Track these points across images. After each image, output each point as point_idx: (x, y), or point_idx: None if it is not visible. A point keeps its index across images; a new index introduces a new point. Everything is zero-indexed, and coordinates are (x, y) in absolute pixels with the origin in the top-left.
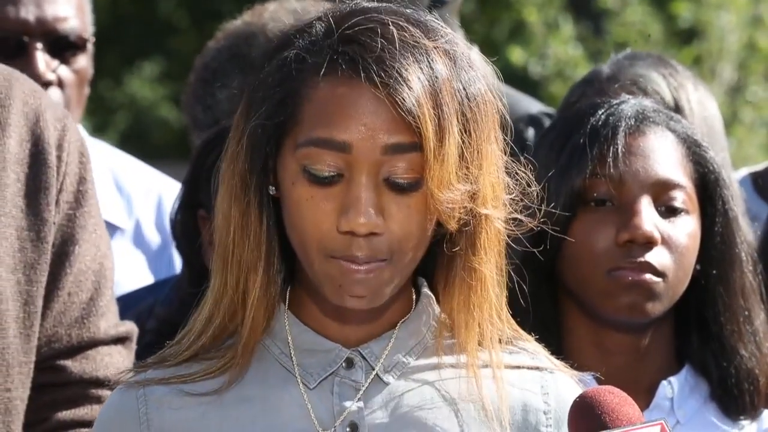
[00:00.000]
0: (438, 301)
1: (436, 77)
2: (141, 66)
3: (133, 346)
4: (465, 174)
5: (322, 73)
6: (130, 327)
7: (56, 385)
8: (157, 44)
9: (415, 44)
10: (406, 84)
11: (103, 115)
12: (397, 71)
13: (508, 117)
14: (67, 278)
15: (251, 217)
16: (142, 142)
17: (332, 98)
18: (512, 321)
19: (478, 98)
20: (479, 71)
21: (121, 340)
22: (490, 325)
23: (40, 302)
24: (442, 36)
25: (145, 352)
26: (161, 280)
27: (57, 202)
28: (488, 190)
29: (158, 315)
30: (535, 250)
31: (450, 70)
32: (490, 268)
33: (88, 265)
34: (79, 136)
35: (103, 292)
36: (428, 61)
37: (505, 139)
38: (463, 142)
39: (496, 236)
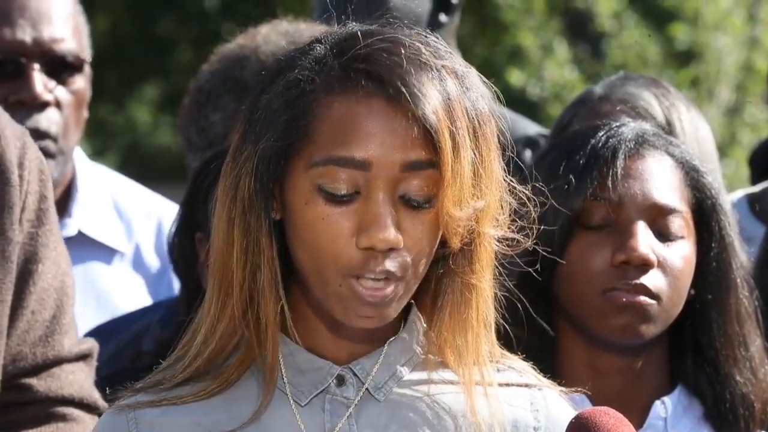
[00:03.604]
0: (426, 321)
1: (449, 95)
2: (141, 89)
3: (94, 363)
4: (477, 192)
5: (335, 92)
6: (92, 344)
7: (22, 404)
8: (158, 67)
9: (426, 62)
10: (425, 100)
11: (103, 139)
12: (414, 87)
13: (508, 137)
14: (31, 297)
15: (262, 240)
16: (143, 165)
17: (348, 116)
18: (495, 340)
19: (483, 116)
20: (480, 90)
21: (83, 357)
22: (485, 343)
23: (5, 321)
24: (447, 56)
25: (143, 374)
26: (154, 304)
27: (20, 221)
28: (491, 209)
29: (156, 337)
30: (531, 270)
31: (458, 88)
32: (488, 284)
33: (50, 282)
34: (39, 153)
35: (65, 310)
36: (440, 79)
37: (505, 159)
38: (475, 159)
39: (491, 253)
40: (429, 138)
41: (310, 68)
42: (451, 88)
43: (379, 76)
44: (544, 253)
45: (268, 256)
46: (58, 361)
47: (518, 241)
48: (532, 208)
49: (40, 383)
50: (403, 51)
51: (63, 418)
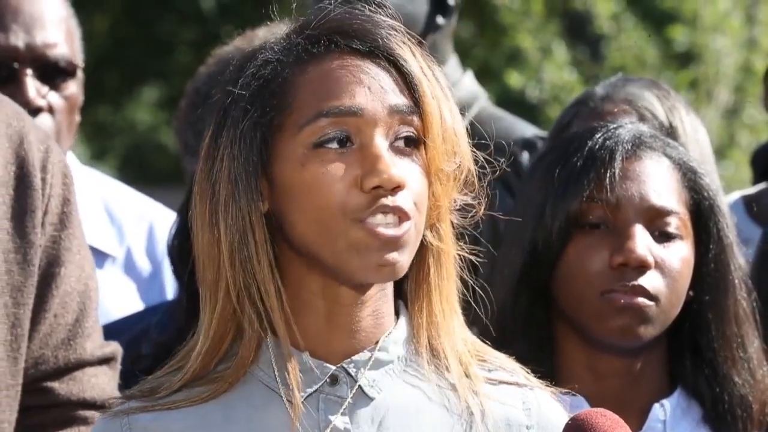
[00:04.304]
0: (413, 311)
1: (414, 51)
2: (140, 91)
3: (118, 366)
4: (458, 140)
5: (306, 60)
6: (115, 347)
7: (43, 407)
8: (157, 69)
9: (387, 22)
10: (399, 49)
11: (102, 141)
12: (385, 38)
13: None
14: (53, 300)
15: (249, 230)
16: (142, 167)
17: (326, 72)
18: (473, 335)
19: (444, 80)
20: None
21: (106, 360)
22: (456, 312)
23: (27, 325)
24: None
25: (143, 377)
26: (152, 306)
27: (42, 225)
28: (462, 171)
29: (155, 340)
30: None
31: (421, 50)
32: (452, 247)
33: (74, 286)
34: (62, 157)
35: (88, 313)
36: (405, 38)
37: (498, 161)
38: (451, 112)
39: (449, 221)
40: (407, 86)
41: (275, 51)
42: (413, 46)
43: (349, 33)
44: (544, 253)
45: (260, 241)
46: (81, 365)
47: (474, 208)
48: (490, 174)
49: (62, 386)
50: (363, 13)
51: (85, 421)
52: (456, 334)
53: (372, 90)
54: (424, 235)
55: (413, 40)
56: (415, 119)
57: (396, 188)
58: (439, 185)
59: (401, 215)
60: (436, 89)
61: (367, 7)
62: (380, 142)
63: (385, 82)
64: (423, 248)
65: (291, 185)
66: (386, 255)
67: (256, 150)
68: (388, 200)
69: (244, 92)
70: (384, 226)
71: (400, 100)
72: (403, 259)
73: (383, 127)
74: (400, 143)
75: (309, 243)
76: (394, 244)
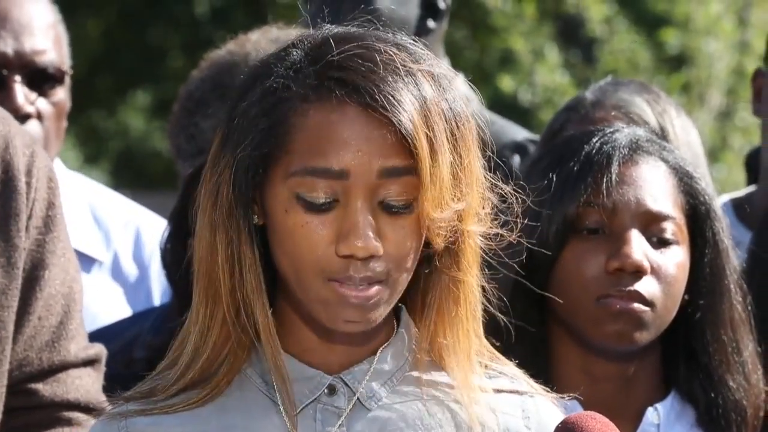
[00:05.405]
0: (416, 320)
1: (425, 99)
2: (133, 95)
3: (102, 368)
4: (457, 193)
5: (311, 100)
6: (99, 349)
7: (28, 409)
8: (150, 73)
9: (401, 67)
10: (400, 106)
11: (95, 145)
12: (389, 94)
13: (489, 140)
14: (38, 303)
15: (243, 248)
16: (135, 171)
17: (324, 124)
18: (488, 343)
19: (462, 117)
20: (459, 91)
21: (90, 362)
22: (474, 337)
23: (11, 327)
24: (424, 58)
25: (135, 381)
26: (144, 311)
27: (27, 228)
28: (474, 207)
29: (148, 343)
30: (520, 269)
31: (435, 91)
32: (475, 279)
33: (58, 289)
34: (48, 161)
35: (72, 316)
36: (415, 83)
37: (490, 165)
38: (454, 161)
39: (477, 249)
40: (406, 143)
41: (285, 75)
42: (426, 91)
43: (354, 84)
44: (540, 258)
45: (250, 263)
46: (65, 366)
47: (502, 235)
48: (514, 203)
49: (46, 388)
50: (377, 57)
51: (68, 422)
52: (461, 344)
53: (363, 152)
54: (436, 261)
55: (426, 72)
56: (411, 178)
57: (369, 257)
58: (435, 237)
59: (370, 281)
60: (438, 140)
61: (374, 36)
62: (362, 208)
63: (379, 141)
64: (432, 273)
65: (275, 223)
66: (355, 317)
67: (250, 178)
68: (358, 270)
69: (247, 114)
70: (355, 288)
71: (393, 161)
72: (375, 314)
73: (370, 190)
74: (391, 201)
75: (287, 278)
76: (363, 306)
